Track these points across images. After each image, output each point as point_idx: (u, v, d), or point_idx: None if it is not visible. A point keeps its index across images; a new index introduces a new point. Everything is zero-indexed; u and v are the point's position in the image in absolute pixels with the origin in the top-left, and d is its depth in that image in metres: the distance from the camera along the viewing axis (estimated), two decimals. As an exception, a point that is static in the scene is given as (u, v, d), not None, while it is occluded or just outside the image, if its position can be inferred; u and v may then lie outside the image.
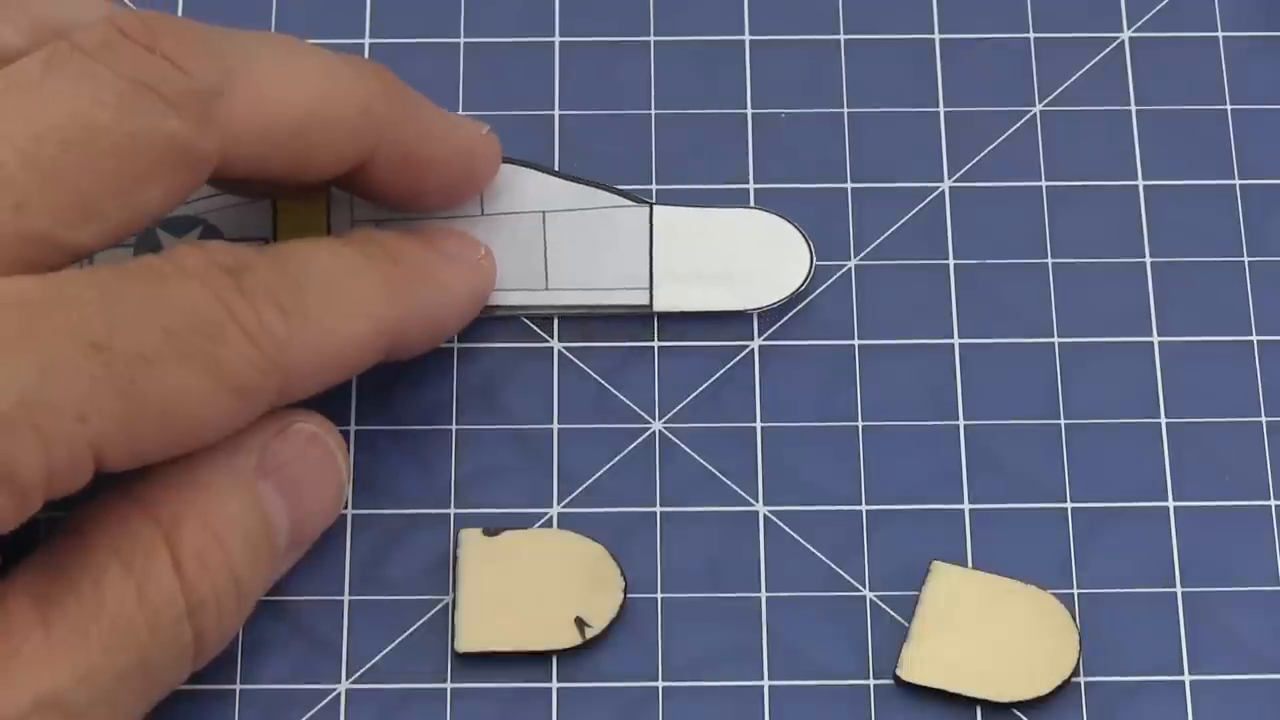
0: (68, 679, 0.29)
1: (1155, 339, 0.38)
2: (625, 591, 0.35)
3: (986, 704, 0.35)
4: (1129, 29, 0.40)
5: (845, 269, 0.38)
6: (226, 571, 0.31)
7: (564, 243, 0.38)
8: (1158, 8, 0.41)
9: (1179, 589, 0.36)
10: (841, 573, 0.36)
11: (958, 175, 0.39)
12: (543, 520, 0.36)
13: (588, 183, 0.38)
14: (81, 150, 0.29)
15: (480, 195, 0.38)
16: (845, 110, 0.40)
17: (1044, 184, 0.39)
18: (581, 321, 0.38)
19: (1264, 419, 0.37)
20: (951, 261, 0.38)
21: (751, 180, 0.39)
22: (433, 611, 0.35)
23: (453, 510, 0.36)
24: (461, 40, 0.40)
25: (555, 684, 0.35)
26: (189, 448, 0.31)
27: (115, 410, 0.28)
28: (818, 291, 0.38)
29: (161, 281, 0.30)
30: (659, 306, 0.37)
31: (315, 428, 0.34)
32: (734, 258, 0.38)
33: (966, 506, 0.36)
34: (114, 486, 0.31)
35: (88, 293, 0.29)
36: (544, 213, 0.38)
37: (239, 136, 0.31)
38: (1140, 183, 0.39)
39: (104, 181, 0.29)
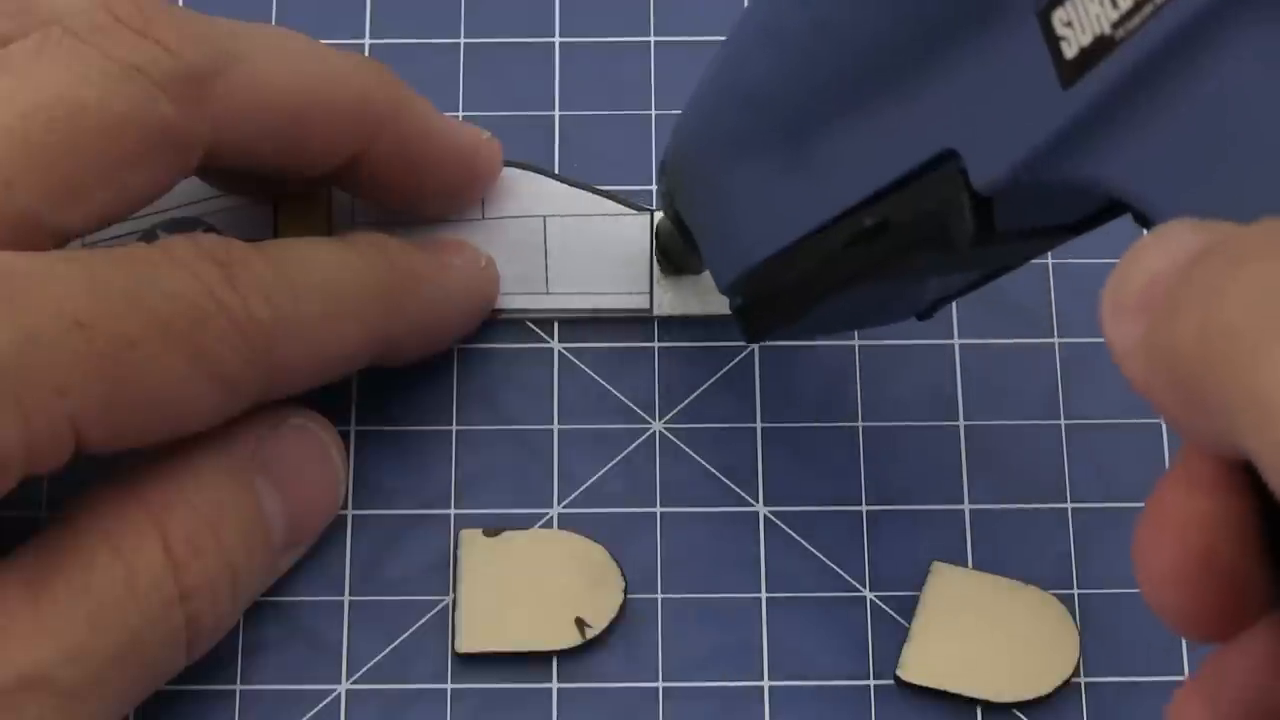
0: (55, 657, 0.29)
1: (1155, 339, 0.38)
2: (625, 591, 0.35)
3: (986, 704, 0.35)
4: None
5: (845, 269, 0.38)
6: (220, 559, 0.32)
7: (565, 247, 0.38)
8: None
9: (1179, 589, 0.36)
10: (841, 573, 0.36)
11: (958, 175, 0.39)
12: (543, 520, 0.36)
13: (589, 188, 0.38)
14: (68, 130, 0.29)
15: (481, 199, 0.38)
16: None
17: (1044, 184, 0.39)
18: (582, 322, 0.38)
19: (1264, 419, 0.37)
20: (952, 261, 0.38)
21: (751, 180, 0.39)
22: (433, 611, 0.35)
23: (453, 510, 0.36)
24: (461, 40, 0.40)
25: (555, 684, 0.35)
26: (173, 433, 0.31)
27: (96, 388, 0.28)
28: (818, 291, 0.38)
29: (150, 267, 0.30)
30: (659, 311, 0.37)
31: (311, 424, 0.34)
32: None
33: (966, 506, 0.36)
34: (108, 476, 0.32)
35: (74, 271, 0.29)
36: (545, 217, 0.38)
37: (230, 122, 0.31)
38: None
39: (91, 162, 0.29)
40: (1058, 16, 0.23)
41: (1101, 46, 0.22)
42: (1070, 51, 0.23)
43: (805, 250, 0.30)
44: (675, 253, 0.36)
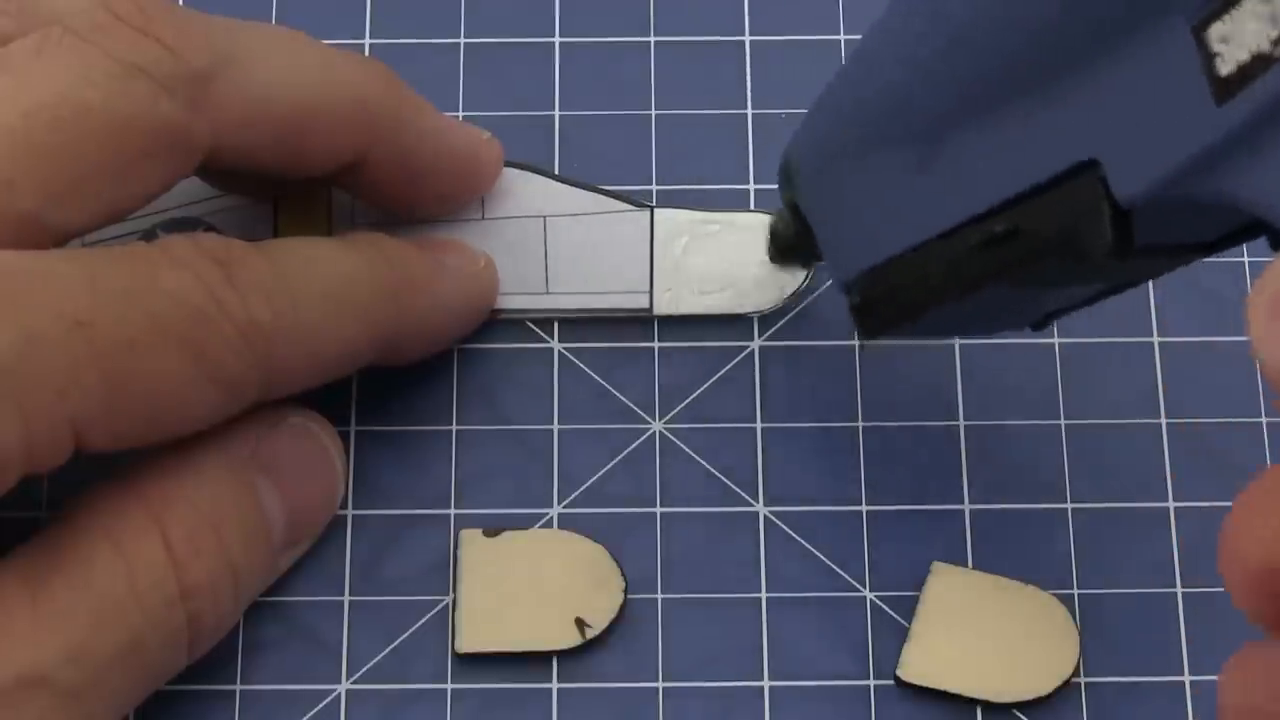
0: (55, 656, 0.29)
1: (1155, 339, 0.38)
2: (625, 592, 0.35)
3: (986, 704, 0.35)
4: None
5: (845, 269, 0.38)
6: (221, 558, 0.32)
7: (565, 247, 0.38)
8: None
9: (1179, 589, 0.36)
10: (841, 573, 0.36)
11: (958, 175, 0.39)
12: (543, 520, 0.36)
13: (589, 187, 0.38)
14: (71, 130, 0.29)
15: (481, 199, 0.38)
16: (845, 110, 0.40)
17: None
18: (582, 322, 0.38)
19: (1264, 419, 0.37)
20: (951, 261, 0.38)
21: (751, 180, 0.39)
22: (433, 611, 0.35)
23: (453, 510, 0.36)
24: (461, 40, 0.40)
25: (555, 684, 0.35)
26: (172, 433, 0.31)
27: (96, 389, 0.28)
28: (818, 292, 0.38)
29: (150, 267, 0.30)
30: (659, 310, 0.37)
31: (311, 424, 0.34)
32: (734, 261, 0.38)
33: (966, 506, 0.36)
34: (107, 475, 0.32)
35: (74, 271, 0.29)
36: (545, 217, 0.38)
37: (231, 122, 0.31)
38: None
39: (93, 162, 0.29)
40: (1214, 32, 0.23)
41: (1259, 64, 0.22)
42: (1225, 68, 0.22)
43: (931, 252, 0.30)
44: (788, 245, 0.36)
